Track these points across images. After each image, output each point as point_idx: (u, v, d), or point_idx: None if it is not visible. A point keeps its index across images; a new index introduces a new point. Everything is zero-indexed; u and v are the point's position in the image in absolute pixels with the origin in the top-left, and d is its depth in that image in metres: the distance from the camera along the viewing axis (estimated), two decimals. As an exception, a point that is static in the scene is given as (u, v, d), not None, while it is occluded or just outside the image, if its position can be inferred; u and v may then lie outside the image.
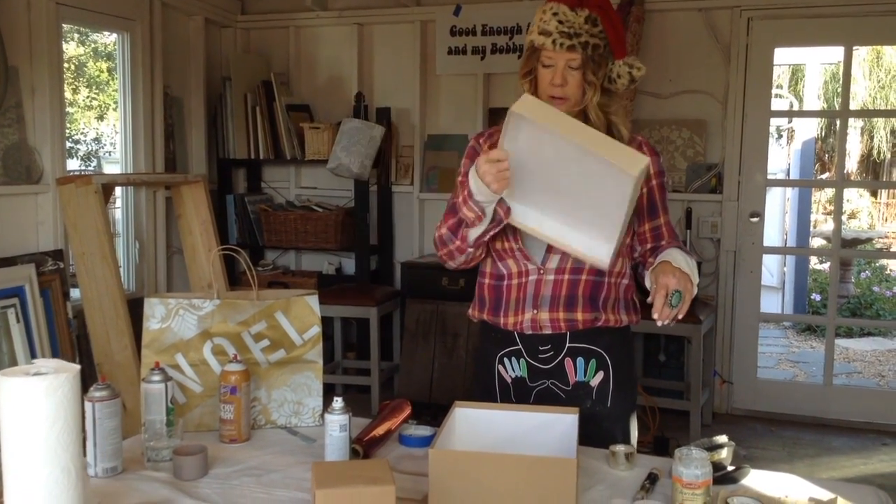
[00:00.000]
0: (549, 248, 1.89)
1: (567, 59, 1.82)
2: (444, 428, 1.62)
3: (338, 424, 1.73)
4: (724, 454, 1.73)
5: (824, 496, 1.61)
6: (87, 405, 1.64)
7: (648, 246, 1.93)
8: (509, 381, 2.01)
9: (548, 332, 1.92)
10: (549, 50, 1.83)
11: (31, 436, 1.28)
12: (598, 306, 1.92)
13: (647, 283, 1.81)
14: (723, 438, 1.78)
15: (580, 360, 1.93)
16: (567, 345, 1.92)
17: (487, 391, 2.05)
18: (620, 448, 1.75)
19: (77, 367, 1.35)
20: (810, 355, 6.55)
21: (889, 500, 1.65)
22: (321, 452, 1.79)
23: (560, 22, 1.81)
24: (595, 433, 1.81)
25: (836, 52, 7.02)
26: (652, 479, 1.65)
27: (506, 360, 2.00)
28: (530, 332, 1.93)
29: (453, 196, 1.95)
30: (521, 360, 1.97)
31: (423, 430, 1.92)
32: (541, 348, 1.94)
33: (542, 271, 1.91)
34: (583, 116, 1.87)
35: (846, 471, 3.96)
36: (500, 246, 1.95)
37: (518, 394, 2.00)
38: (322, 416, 1.93)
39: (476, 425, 1.68)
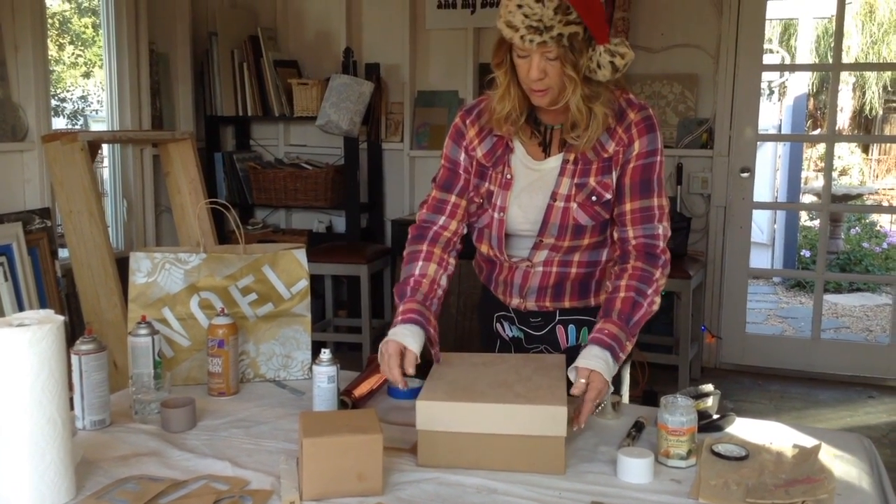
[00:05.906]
0: (536, 245, 1.82)
1: (542, 51, 1.60)
2: (431, 377, 1.63)
3: (325, 376, 1.74)
4: (710, 403, 1.74)
5: (809, 443, 1.62)
6: (74, 358, 1.64)
7: (615, 234, 1.82)
8: (507, 339, 2.03)
9: (536, 310, 1.92)
10: (519, 44, 1.61)
11: (15, 387, 1.28)
12: (588, 293, 1.88)
13: (571, 376, 1.66)
14: (708, 387, 1.79)
15: (572, 327, 1.90)
16: (557, 318, 1.92)
17: (489, 346, 2.07)
18: (607, 397, 1.76)
19: (61, 318, 1.34)
20: (799, 311, 6.59)
21: (873, 446, 1.67)
22: (310, 405, 1.80)
23: (526, 15, 1.57)
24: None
25: (828, 6, 6.96)
26: (638, 427, 1.66)
27: (503, 321, 2.01)
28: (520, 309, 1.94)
29: (438, 172, 1.92)
30: (514, 325, 1.99)
31: (412, 383, 1.92)
32: (532, 320, 1.94)
33: (529, 265, 1.86)
34: (566, 110, 1.71)
35: (832, 423, 4.00)
36: (487, 251, 1.90)
37: (516, 352, 2.01)
38: (311, 369, 1.93)
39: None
